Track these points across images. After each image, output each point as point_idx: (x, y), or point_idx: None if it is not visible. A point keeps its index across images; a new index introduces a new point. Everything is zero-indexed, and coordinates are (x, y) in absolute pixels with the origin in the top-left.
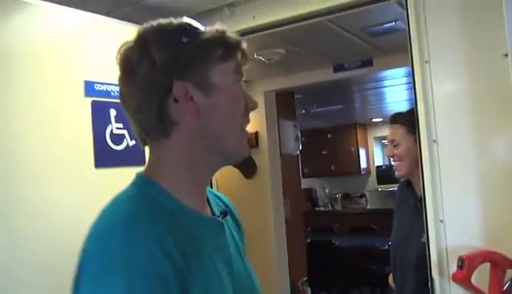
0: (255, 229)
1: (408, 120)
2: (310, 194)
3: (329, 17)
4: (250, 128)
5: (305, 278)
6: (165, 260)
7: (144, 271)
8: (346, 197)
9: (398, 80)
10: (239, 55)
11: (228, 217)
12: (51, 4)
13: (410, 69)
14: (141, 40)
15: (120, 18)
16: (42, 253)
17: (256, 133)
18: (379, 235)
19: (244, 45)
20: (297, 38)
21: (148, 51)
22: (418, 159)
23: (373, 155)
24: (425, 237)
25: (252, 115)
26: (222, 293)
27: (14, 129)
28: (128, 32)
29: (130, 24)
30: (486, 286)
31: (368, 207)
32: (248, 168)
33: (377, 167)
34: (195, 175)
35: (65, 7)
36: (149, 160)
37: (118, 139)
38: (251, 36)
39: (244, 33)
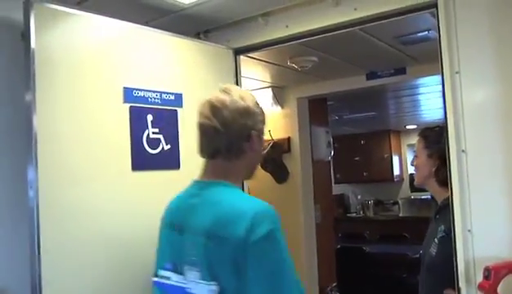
0: (285, 234)
1: (426, 136)
2: (342, 200)
3: (361, 27)
4: (283, 134)
5: (334, 284)
6: None
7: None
8: (378, 203)
9: (433, 88)
10: None
11: None
12: (94, 14)
13: None
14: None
15: (158, 27)
16: (88, 249)
17: (288, 139)
18: (411, 243)
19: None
20: (329, 46)
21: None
22: (431, 172)
23: (406, 162)
24: (435, 247)
25: (285, 121)
26: None
27: (58, 132)
28: (165, 41)
29: (167, 33)
30: None
31: (400, 215)
32: (280, 173)
33: (410, 174)
34: (240, 182)
35: (106, 17)
36: (212, 169)
37: (154, 143)
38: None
39: (277, 42)
